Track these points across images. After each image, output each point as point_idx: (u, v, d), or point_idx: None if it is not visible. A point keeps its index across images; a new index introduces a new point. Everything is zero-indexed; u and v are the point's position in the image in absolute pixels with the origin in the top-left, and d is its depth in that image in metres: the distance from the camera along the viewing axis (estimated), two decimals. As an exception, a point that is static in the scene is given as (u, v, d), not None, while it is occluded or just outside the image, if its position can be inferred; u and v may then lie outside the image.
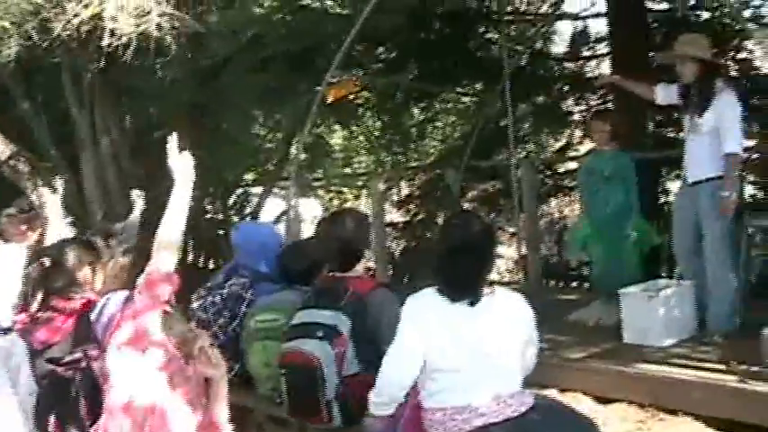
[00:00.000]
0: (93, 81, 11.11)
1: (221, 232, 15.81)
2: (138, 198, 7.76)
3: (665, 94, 7.42)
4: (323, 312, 5.01)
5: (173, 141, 4.22)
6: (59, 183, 8.79)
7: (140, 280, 3.99)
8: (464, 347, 4.22)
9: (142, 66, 10.96)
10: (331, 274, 5.38)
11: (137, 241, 6.76)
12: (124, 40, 7.41)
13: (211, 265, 15.60)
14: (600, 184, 7.90)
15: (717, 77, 6.96)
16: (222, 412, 4.09)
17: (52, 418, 4.14)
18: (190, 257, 16.21)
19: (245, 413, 5.78)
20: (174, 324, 4.05)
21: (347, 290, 5.03)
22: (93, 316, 4.20)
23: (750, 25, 7.14)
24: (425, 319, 4.32)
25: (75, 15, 7.26)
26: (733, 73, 11.45)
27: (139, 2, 7.33)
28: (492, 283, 4.39)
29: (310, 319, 5.04)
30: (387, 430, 4.57)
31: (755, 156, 11.15)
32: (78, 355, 4.12)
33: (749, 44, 11.52)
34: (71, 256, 4.53)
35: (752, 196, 11.05)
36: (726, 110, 6.76)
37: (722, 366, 6.15)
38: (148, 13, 7.37)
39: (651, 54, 9.04)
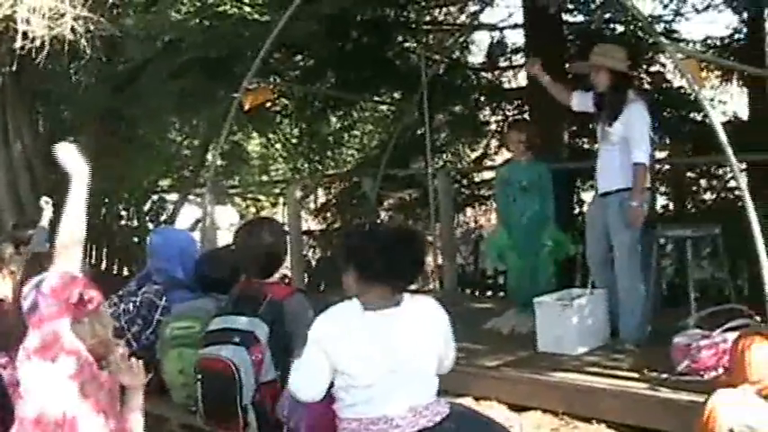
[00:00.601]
0: (5, 84, 10.93)
1: (136, 239, 15.66)
2: (46, 204, 7.63)
3: (579, 101, 7.50)
4: (240, 318, 4.96)
5: (65, 144, 4.12)
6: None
7: (44, 287, 3.88)
8: (379, 358, 4.17)
9: (56, 69, 10.81)
10: (248, 280, 5.33)
11: (47, 248, 6.64)
12: (37, 42, 7.28)
13: (125, 272, 15.43)
14: (516, 194, 7.95)
15: (629, 88, 7.06)
16: (137, 422, 4.02)
17: None
18: (104, 264, 16.03)
19: (158, 422, 5.72)
20: (98, 326, 3.97)
21: (265, 296, 4.99)
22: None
23: (662, 39, 7.25)
24: (336, 337, 4.22)
25: (-14, 17, 7.13)
26: (646, 86, 11.64)
27: (53, 4, 7.20)
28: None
29: (227, 324, 4.99)
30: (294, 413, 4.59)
31: (667, 167, 11.34)
32: None
33: (661, 58, 11.72)
34: None
35: (663, 207, 11.22)
36: (635, 120, 6.86)
37: (635, 374, 6.23)
38: (62, 15, 7.26)
39: (567, 65, 9.16)
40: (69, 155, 4.05)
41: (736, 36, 10.66)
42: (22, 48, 7.36)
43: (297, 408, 4.50)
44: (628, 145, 6.85)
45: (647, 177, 6.88)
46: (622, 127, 6.90)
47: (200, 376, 5.00)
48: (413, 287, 4.39)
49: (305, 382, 4.28)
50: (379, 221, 5.06)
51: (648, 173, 7.10)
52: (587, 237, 7.46)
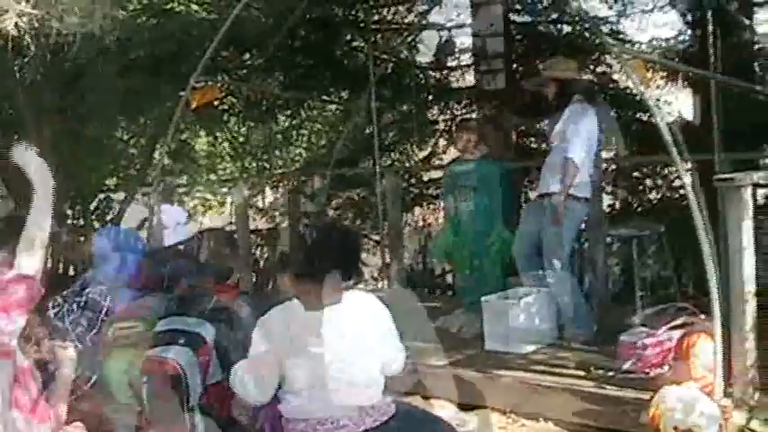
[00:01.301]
0: (-50, 81, 10.83)
1: (82, 239, 15.51)
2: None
3: None
4: (186, 319, 4.93)
5: (22, 149, 4.06)
6: None
7: (13, 296, 3.84)
8: (321, 358, 4.16)
9: (0, 67, 10.69)
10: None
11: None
12: (-20, 39, 7.19)
13: (71, 272, 15.29)
14: (464, 193, 7.98)
15: (574, 93, 7.18)
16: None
17: None
18: (49, 263, 15.86)
19: (103, 423, 5.66)
20: (35, 327, 3.95)
21: (211, 298, 4.97)
22: None
23: (608, 40, 7.33)
24: (278, 338, 4.23)
25: (-71, 12, 7.02)
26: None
27: (-4, 0, 7.12)
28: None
29: (173, 326, 4.96)
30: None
31: (613, 167, 11.43)
32: None
33: (608, 59, 11.80)
34: None
35: (610, 206, 11.31)
36: (573, 120, 7.07)
37: (581, 372, 6.29)
38: (6, 11, 7.16)
39: (522, 81, 9.21)
40: (27, 158, 3.99)
41: (681, 38, 10.79)
42: (-35, 45, 7.27)
43: (262, 407, 4.51)
44: (564, 142, 6.99)
45: (576, 174, 6.97)
46: (562, 128, 7.04)
47: (145, 378, 4.96)
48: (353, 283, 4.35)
49: (252, 384, 4.22)
50: (315, 221, 5.09)
51: (596, 173, 7.23)
52: (518, 230, 7.53)
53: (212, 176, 20.24)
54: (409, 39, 14.00)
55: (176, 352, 4.79)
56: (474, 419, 6.28)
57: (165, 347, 4.86)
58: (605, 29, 11.02)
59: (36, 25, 7.56)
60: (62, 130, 13.03)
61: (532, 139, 12.45)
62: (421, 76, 13.68)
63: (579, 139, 6.98)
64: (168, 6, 12.36)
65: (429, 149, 14.76)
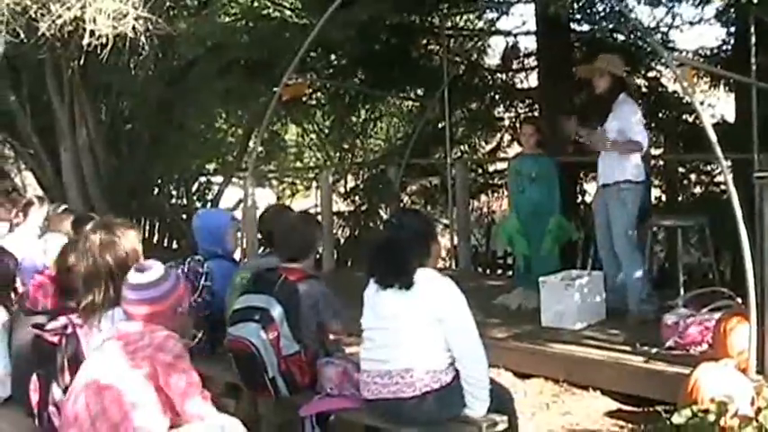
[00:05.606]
0: (73, 77, 11.04)
1: (184, 216, 15.78)
2: None
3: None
4: (259, 296, 4.98)
5: None
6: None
7: None
8: (379, 322, 4.38)
9: (117, 65, 10.90)
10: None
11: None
12: (103, 40, 7.34)
13: (174, 245, 15.55)
14: (525, 184, 8.00)
15: (622, 91, 7.16)
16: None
17: (34, 378, 4.03)
18: (156, 237, 16.16)
19: (206, 381, 5.75)
20: None
21: (280, 277, 5.01)
22: None
23: (661, 48, 7.28)
24: (364, 296, 4.53)
25: (59, 16, 7.19)
26: (643, 89, 11.63)
27: (117, 6, 7.26)
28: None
29: (249, 303, 5.00)
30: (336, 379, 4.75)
31: (661, 163, 11.33)
32: (63, 321, 4.02)
33: (657, 65, 11.68)
34: None
35: (657, 198, 11.21)
36: (628, 117, 7.07)
37: (627, 348, 6.28)
38: (125, 15, 7.31)
39: (573, 69, 9.16)
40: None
41: (724, 47, 10.62)
42: (89, 45, 7.40)
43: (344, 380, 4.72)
44: (624, 138, 6.96)
45: (634, 150, 7.01)
46: (617, 123, 7.06)
47: (230, 354, 5.06)
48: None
49: None
50: (401, 214, 5.12)
51: (645, 165, 7.23)
52: (596, 226, 7.54)
53: (299, 164, 20.40)
54: (479, 43, 13.98)
55: (249, 330, 4.83)
56: (530, 387, 6.31)
57: (242, 324, 4.91)
58: (656, 38, 10.89)
59: (150, 27, 7.70)
60: (169, 121, 13.26)
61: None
62: (489, 77, 13.65)
63: (639, 130, 7.01)
64: (264, 12, 12.50)
65: (495, 143, 14.72)
